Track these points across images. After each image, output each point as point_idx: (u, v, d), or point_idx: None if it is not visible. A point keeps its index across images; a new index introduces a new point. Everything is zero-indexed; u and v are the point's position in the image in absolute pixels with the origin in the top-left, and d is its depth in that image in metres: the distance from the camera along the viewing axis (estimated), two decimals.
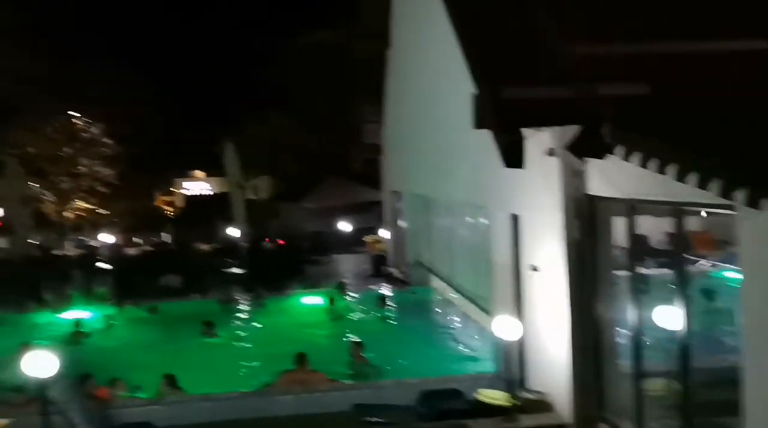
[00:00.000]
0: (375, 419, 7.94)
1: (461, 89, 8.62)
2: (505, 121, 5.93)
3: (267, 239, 27.64)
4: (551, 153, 6.83)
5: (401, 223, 20.30)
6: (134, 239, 34.61)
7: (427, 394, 8.29)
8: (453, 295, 14.04)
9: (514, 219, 8.53)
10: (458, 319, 13.50)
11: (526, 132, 6.06)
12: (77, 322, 14.35)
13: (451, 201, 13.75)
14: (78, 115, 37.46)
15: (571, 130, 6.36)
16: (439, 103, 12.88)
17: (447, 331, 13.47)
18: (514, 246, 8.54)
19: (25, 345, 9.97)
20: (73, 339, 13.67)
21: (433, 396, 8.23)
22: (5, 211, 33.04)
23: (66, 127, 37.10)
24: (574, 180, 6.76)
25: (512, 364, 7.39)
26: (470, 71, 6.90)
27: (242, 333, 14.42)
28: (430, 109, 14.13)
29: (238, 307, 16.16)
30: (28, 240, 22.82)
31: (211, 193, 59.85)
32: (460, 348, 12.20)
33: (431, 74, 13.61)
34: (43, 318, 15.64)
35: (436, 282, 15.69)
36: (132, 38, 54.96)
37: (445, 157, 13.15)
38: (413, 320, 14.56)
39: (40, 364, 6.75)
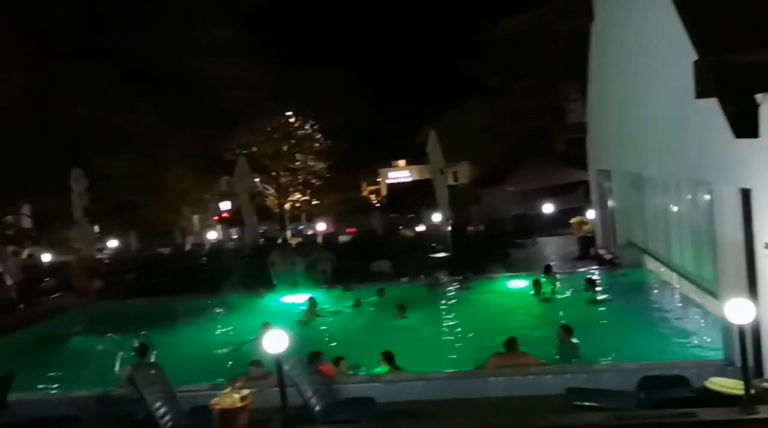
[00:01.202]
0: (589, 403, 7.72)
1: (677, 57, 8.05)
2: (734, 87, 5.39)
3: (470, 228, 27.82)
4: None
5: (610, 203, 19.43)
6: (347, 230, 36.71)
7: (648, 380, 7.88)
8: (671, 277, 13.23)
9: (745, 193, 7.76)
10: (677, 302, 12.71)
11: (759, 98, 5.47)
12: (310, 303, 15.20)
13: (666, 177, 12.90)
14: (292, 114, 40.55)
15: None
16: (652, 73, 12.11)
17: (665, 315, 12.69)
18: (745, 223, 7.77)
19: (266, 325, 11.09)
20: (306, 319, 14.72)
21: (654, 383, 7.79)
22: (235, 205, 36.89)
23: (283, 126, 40.39)
24: None
25: (746, 351, 6.78)
26: (690, 37, 6.37)
27: (451, 316, 14.74)
28: (640, 82, 13.34)
29: (445, 290, 16.52)
30: (258, 231, 25.13)
31: (411, 180, 61.75)
32: (681, 332, 11.42)
33: (641, 44, 12.84)
34: (273, 300, 17.19)
35: (651, 264, 14.88)
36: (339, 38, 58.38)
37: (659, 131, 12.37)
38: (626, 303, 13.88)
39: (275, 341, 7.36)
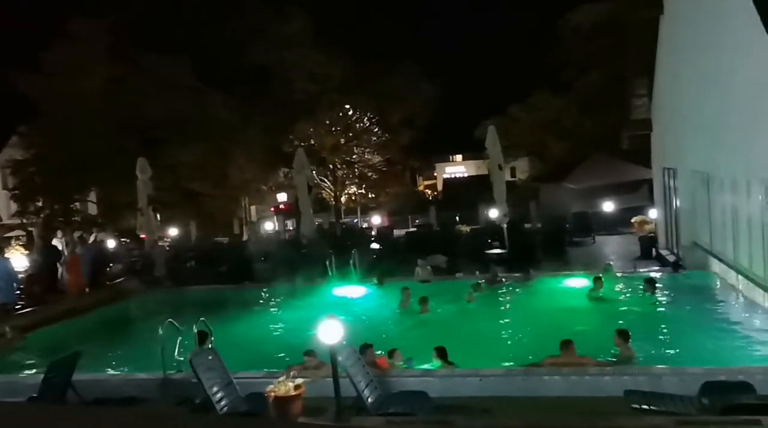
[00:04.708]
0: (649, 407, 7.50)
1: (753, 54, 7.72)
2: None
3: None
4: None
5: (674, 202, 18.85)
6: (416, 221, 36.52)
7: (711, 385, 7.60)
8: (737, 280, 12.76)
9: None
10: (743, 306, 12.29)
11: None
12: (404, 293, 14.64)
13: (736, 175, 12.43)
14: (350, 107, 40.47)
15: None
16: (727, 70, 11.66)
17: (729, 319, 12.24)
18: None
19: (330, 316, 11.15)
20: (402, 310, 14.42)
21: (718, 388, 7.52)
22: (291, 197, 37.30)
23: (342, 118, 40.38)
24: None
25: None
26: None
27: (508, 313, 14.56)
28: (713, 78, 12.87)
29: (502, 287, 16.32)
30: (314, 223, 25.30)
31: (467, 175, 61.28)
32: (746, 338, 10.98)
33: (714, 38, 12.37)
34: (327, 291, 17.31)
35: (717, 266, 14.40)
36: (404, 31, 58.04)
37: (730, 129, 11.92)
38: (688, 306, 13.47)
39: (330, 332, 7.40)
